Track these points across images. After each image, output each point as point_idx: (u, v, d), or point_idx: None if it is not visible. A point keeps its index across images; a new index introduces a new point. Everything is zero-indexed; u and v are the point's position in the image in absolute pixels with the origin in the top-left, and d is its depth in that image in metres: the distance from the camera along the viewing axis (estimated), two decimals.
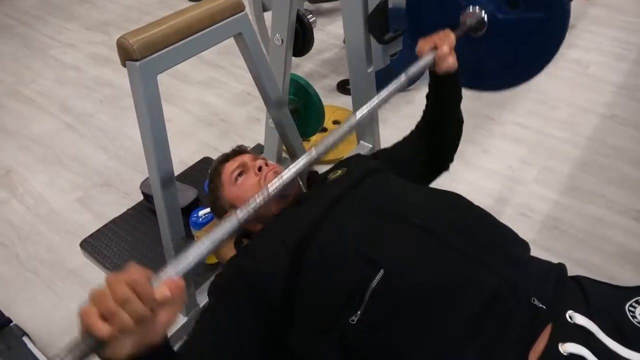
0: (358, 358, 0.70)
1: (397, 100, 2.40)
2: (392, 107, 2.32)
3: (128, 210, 1.54)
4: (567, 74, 2.55)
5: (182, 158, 1.95)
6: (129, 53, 0.84)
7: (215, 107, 2.40)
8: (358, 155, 1.15)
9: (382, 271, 0.70)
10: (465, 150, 2.06)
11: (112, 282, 0.50)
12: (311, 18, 1.61)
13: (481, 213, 0.87)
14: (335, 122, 2.21)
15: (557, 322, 0.69)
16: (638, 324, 0.70)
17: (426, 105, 1.11)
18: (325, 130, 2.19)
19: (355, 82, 1.44)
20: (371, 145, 1.56)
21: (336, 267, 0.75)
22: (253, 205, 0.67)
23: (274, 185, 0.71)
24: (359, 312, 0.69)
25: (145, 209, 1.54)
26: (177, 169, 1.69)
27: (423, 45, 1.01)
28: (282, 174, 0.73)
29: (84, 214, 1.83)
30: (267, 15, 2.26)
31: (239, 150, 1.12)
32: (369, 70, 1.38)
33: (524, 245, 0.84)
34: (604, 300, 0.74)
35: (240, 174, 1.04)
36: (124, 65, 0.87)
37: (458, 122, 1.13)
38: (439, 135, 1.12)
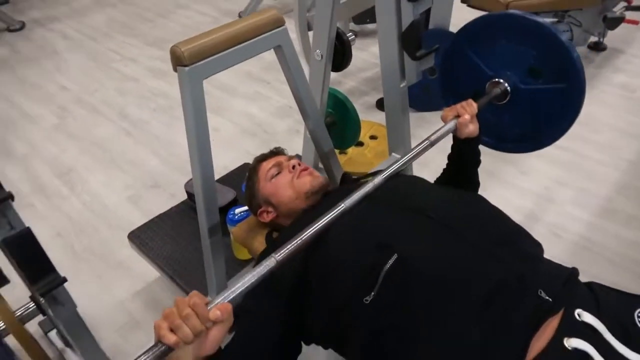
0: (370, 336, 0.76)
1: (435, 118, 2.45)
2: (430, 127, 2.36)
3: (172, 207, 1.67)
4: (611, 98, 2.52)
5: (226, 164, 2.08)
6: (179, 59, 0.95)
7: (259, 118, 2.53)
8: None
9: (395, 255, 0.76)
10: (502, 170, 2.08)
11: (179, 303, 0.64)
12: (350, 36, 1.70)
13: (496, 212, 0.92)
14: (372, 137, 2.28)
15: (565, 318, 0.71)
16: None
17: (447, 164, 1.20)
18: (361, 144, 2.26)
19: (388, 96, 1.51)
20: (401, 157, 1.61)
21: (354, 251, 0.82)
22: (290, 247, 0.74)
23: (308, 234, 0.78)
24: (372, 293, 0.75)
25: (187, 207, 1.66)
26: (220, 173, 1.82)
27: (447, 113, 1.11)
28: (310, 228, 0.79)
29: (133, 211, 1.98)
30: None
31: (276, 152, 1.22)
32: (401, 85, 1.45)
33: (536, 246, 0.87)
34: (614, 304, 0.76)
35: (276, 173, 1.13)
36: (175, 70, 0.98)
37: (474, 183, 1.21)
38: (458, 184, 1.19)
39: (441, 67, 1.37)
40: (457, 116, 1.09)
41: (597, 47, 2.87)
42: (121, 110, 2.67)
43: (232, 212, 1.41)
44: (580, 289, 0.80)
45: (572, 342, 0.69)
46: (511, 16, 1.21)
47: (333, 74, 2.89)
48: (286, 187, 1.10)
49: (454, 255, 0.79)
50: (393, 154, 1.65)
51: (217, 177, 1.83)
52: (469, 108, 1.10)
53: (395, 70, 1.42)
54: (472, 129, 1.10)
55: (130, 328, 1.56)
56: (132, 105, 2.70)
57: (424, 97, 2.39)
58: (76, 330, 0.85)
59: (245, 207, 1.42)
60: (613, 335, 0.70)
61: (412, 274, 0.76)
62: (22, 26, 3.65)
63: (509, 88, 1.21)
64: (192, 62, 0.95)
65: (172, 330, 0.62)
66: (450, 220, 0.84)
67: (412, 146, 1.73)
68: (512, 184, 2.01)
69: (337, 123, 1.88)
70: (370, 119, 2.38)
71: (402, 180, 1.01)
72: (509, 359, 0.68)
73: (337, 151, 2.13)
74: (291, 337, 0.86)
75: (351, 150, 2.16)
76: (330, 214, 0.82)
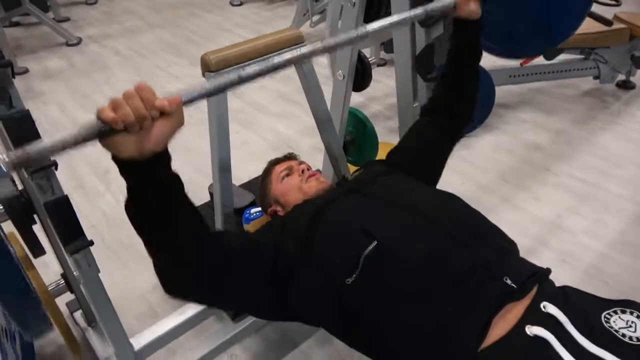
0: (350, 313, 0.85)
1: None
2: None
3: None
4: (636, 135, 2.53)
5: (250, 174, 2.20)
6: (208, 66, 1.08)
7: (285, 135, 2.66)
8: (373, 161, 1.31)
9: (375, 242, 0.84)
10: (515, 195, 2.12)
11: (127, 90, 0.63)
12: (372, 59, 1.82)
13: (474, 210, 0.99)
14: None
15: (530, 308, 0.77)
16: (609, 329, 0.76)
17: (447, 57, 1.19)
18: None
19: (402, 115, 1.61)
20: None
21: (340, 236, 0.90)
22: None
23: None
24: (354, 275, 0.83)
25: (209, 207, 1.78)
26: (245, 180, 1.95)
27: None
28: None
29: None
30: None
31: (289, 156, 1.34)
32: (414, 105, 1.55)
33: (510, 244, 0.94)
34: (583, 304, 0.81)
35: (286, 175, 1.24)
36: (203, 75, 1.12)
37: (474, 78, 1.19)
38: (454, 90, 1.19)
39: None
40: None
41: (626, 85, 2.89)
42: None
43: (248, 212, 1.52)
44: (549, 286, 0.85)
45: (534, 330, 0.74)
46: None
47: (361, 99, 3.03)
48: (294, 189, 1.20)
49: (429, 243, 0.87)
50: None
51: (240, 183, 1.96)
52: None
53: (409, 90, 1.52)
54: (473, 8, 1.06)
55: (148, 317, 1.67)
56: None
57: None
58: (96, 292, 0.96)
59: (259, 208, 1.53)
60: (576, 329, 0.74)
61: (390, 258, 0.84)
62: (79, 41, 3.97)
63: None
64: (218, 69, 1.09)
65: (113, 110, 0.61)
66: (429, 214, 0.92)
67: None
68: (524, 209, 2.04)
69: (356, 141, 1.99)
70: (392, 142, 2.46)
71: (391, 178, 1.09)
72: (470, 335, 0.75)
73: (356, 168, 2.23)
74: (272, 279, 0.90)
75: None
76: (325, 202, 0.91)
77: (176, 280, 0.83)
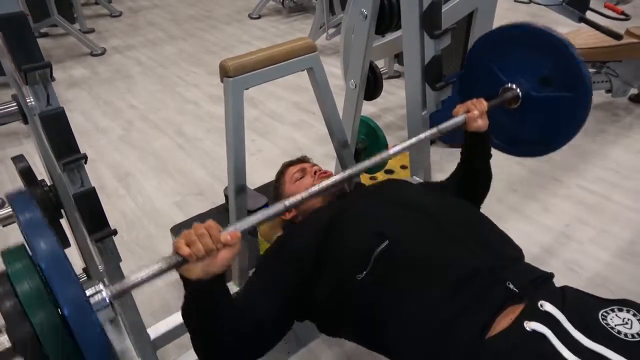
0: (360, 308, 0.90)
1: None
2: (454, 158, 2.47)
3: (212, 208, 1.87)
4: None
5: (264, 180, 2.27)
6: (226, 71, 1.16)
7: (300, 143, 2.74)
8: (393, 180, 1.37)
9: (387, 241, 0.90)
10: (525, 206, 2.15)
11: (196, 226, 0.78)
12: (384, 70, 1.89)
13: (483, 216, 1.04)
14: (403, 167, 2.42)
15: (528, 306, 0.81)
16: (606, 325, 0.79)
17: (460, 160, 1.31)
18: (391, 172, 2.40)
19: (411, 123, 1.67)
20: (421, 180, 1.75)
21: (354, 236, 0.97)
22: (298, 198, 0.92)
23: (313, 190, 0.95)
24: (364, 272, 0.89)
25: (224, 209, 1.86)
26: (258, 184, 2.02)
27: (459, 108, 1.23)
28: (321, 184, 0.97)
29: (178, 213, 2.20)
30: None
31: (302, 159, 1.40)
32: (423, 113, 1.60)
33: (517, 251, 0.99)
34: (580, 303, 0.84)
35: (299, 177, 1.30)
36: (222, 81, 1.19)
37: (486, 176, 1.30)
38: (470, 183, 1.30)
39: (462, 74, 1.49)
40: (468, 111, 1.20)
41: (638, 99, 2.90)
42: (178, 127, 2.96)
43: None
44: (550, 287, 0.89)
45: (532, 325, 0.78)
46: (528, 28, 1.31)
47: (374, 109, 3.10)
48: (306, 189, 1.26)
49: (437, 245, 0.92)
50: (414, 177, 1.79)
51: (254, 187, 2.03)
52: (479, 105, 1.21)
53: (418, 99, 1.58)
54: (481, 123, 1.20)
55: (163, 313, 1.74)
56: (189, 125, 2.99)
57: (455, 131, 2.51)
58: (117, 279, 1.03)
59: None
60: (572, 325, 0.78)
61: (398, 257, 0.90)
62: (103, 52, 4.13)
63: (520, 93, 1.31)
64: (235, 74, 1.16)
65: (187, 245, 0.75)
66: (439, 218, 0.98)
67: (432, 174, 1.86)
68: (534, 219, 2.07)
69: (368, 149, 2.05)
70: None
71: (405, 186, 1.15)
72: (474, 330, 0.80)
73: (367, 176, 2.29)
74: (293, 303, 0.99)
75: (380, 176, 2.31)
76: (341, 207, 0.97)
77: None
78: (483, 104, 1.22)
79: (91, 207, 0.90)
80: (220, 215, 1.82)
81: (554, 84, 1.27)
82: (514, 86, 1.33)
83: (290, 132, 2.86)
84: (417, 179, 1.76)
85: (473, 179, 1.29)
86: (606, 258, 1.86)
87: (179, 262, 0.75)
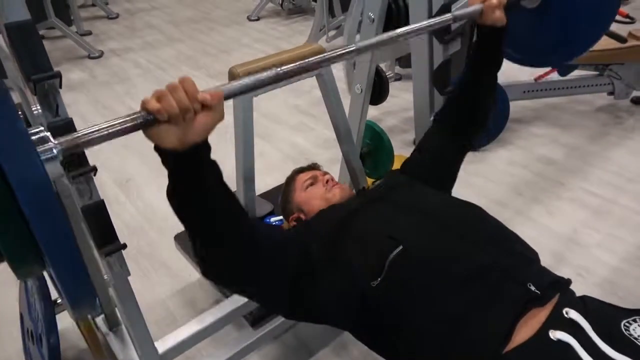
0: (373, 314, 0.88)
1: (469, 157, 2.55)
2: (463, 165, 2.46)
3: None
4: None
5: (267, 185, 2.25)
6: (235, 78, 1.14)
7: (302, 147, 2.71)
8: (392, 172, 1.35)
9: (400, 246, 0.88)
10: (530, 208, 2.13)
11: (170, 82, 0.66)
12: (389, 74, 1.87)
13: (493, 218, 1.02)
14: None
15: (553, 313, 0.80)
16: (629, 336, 0.78)
17: (466, 64, 1.19)
18: None
19: (419, 127, 1.65)
20: None
21: (367, 242, 0.94)
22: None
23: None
24: (379, 278, 0.87)
25: None
26: (261, 191, 1.99)
27: None
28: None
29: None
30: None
31: (313, 166, 1.38)
32: (431, 118, 1.59)
33: (530, 251, 0.97)
34: (602, 312, 0.84)
35: (311, 184, 1.28)
36: None
37: (491, 86, 1.17)
38: (471, 98, 1.18)
39: None
40: (484, 1, 1.06)
41: None
42: None
43: (268, 220, 1.56)
44: (570, 293, 0.88)
45: (557, 334, 0.76)
46: None
47: (377, 113, 3.08)
48: (318, 198, 1.24)
49: (448, 248, 0.90)
50: None
51: (258, 193, 2.00)
52: None
53: (426, 104, 1.56)
54: (499, 15, 1.06)
55: (167, 322, 1.71)
56: None
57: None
58: (125, 294, 1.00)
59: (280, 217, 1.57)
60: (597, 334, 0.77)
61: (413, 262, 0.88)
62: (101, 54, 4.09)
63: None
64: None
65: (157, 101, 0.65)
66: (450, 221, 0.96)
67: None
68: (539, 222, 2.06)
69: (372, 153, 2.03)
70: (407, 154, 2.50)
71: (411, 187, 1.13)
72: (495, 337, 0.77)
73: (371, 180, 2.27)
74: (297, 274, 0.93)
75: None
76: (350, 209, 0.95)
77: (211, 263, 0.87)
78: None
79: (100, 220, 0.88)
80: None
81: None
82: None
83: (291, 136, 2.83)
84: None
85: (476, 96, 1.17)
86: (614, 263, 1.85)
87: (146, 121, 0.62)
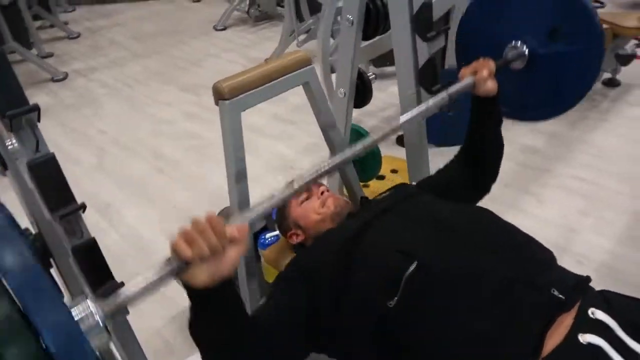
0: (393, 337, 0.83)
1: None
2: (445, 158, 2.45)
3: None
4: (626, 131, 2.58)
5: (254, 198, 2.18)
6: (221, 94, 1.08)
7: (286, 156, 2.66)
8: (402, 184, 1.31)
9: (415, 262, 0.84)
10: (520, 199, 2.13)
11: (196, 219, 0.65)
12: (371, 76, 1.84)
13: (503, 222, 0.99)
14: (393, 171, 2.37)
15: (579, 316, 0.77)
16: None
17: (468, 129, 1.20)
18: (382, 177, 2.35)
19: (407, 129, 1.62)
20: None
21: (378, 260, 0.90)
22: (307, 177, 0.80)
23: (306, 179, 0.83)
24: (395, 298, 0.82)
25: None
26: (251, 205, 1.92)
27: (464, 70, 1.12)
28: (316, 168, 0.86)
29: (166, 242, 2.08)
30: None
31: None
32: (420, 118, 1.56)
33: (548, 253, 0.94)
34: (625, 307, 0.81)
35: (306, 198, 1.23)
36: (216, 104, 1.11)
37: (498, 145, 1.20)
38: (479, 158, 1.20)
39: (458, 36, 1.39)
40: (475, 73, 1.09)
41: (612, 83, 2.95)
42: (155, 150, 2.84)
43: (263, 237, 1.50)
44: (592, 292, 0.85)
45: (587, 338, 0.74)
46: None
47: (355, 114, 3.03)
48: (313, 211, 1.19)
49: (465, 260, 0.86)
50: (414, 183, 1.74)
51: None
52: (486, 64, 1.10)
53: (413, 104, 1.53)
54: (491, 85, 1.09)
55: (165, 353, 1.64)
56: (166, 146, 2.87)
57: (442, 132, 2.50)
58: (126, 334, 0.94)
59: (275, 232, 1.51)
60: (626, 333, 0.74)
61: (431, 277, 0.83)
62: (65, 76, 3.95)
63: (527, 51, 1.20)
64: (232, 96, 1.08)
65: (187, 244, 0.64)
66: (463, 231, 0.92)
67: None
68: (531, 213, 2.06)
69: (360, 157, 1.99)
70: (391, 155, 2.48)
71: (420, 199, 1.09)
72: (525, 351, 0.74)
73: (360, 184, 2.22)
74: (310, 331, 0.90)
75: (373, 183, 2.25)
76: (356, 226, 0.89)
77: None
78: (490, 64, 1.10)
79: (93, 260, 0.81)
80: None
81: (562, 38, 1.16)
82: (520, 44, 1.21)
83: (274, 145, 2.78)
84: None
85: (484, 152, 1.19)
86: (609, 246, 1.86)
87: (180, 268, 0.62)
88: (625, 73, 2.96)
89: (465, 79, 1.09)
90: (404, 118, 1.01)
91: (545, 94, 1.27)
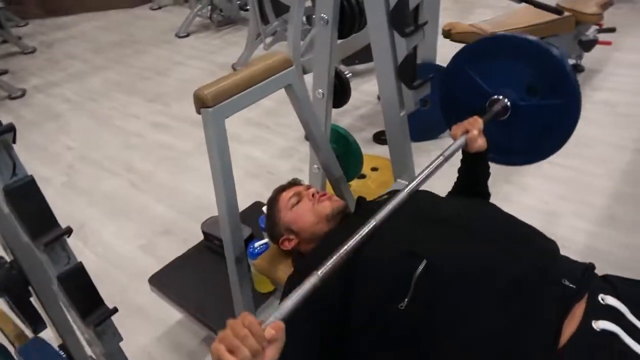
0: (405, 337, 0.80)
1: (432, 146, 2.56)
2: (428, 155, 2.46)
3: (190, 249, 1.71)
4: (596, 115, 2.65)
5: None
6: (203, 101, 1.03)
7: (262, 161, 2.61)
8: (398, 191, 1.29)
9: (424, 261, 0.81)
10: (502, 189, 2.15)
11: (234, 325, 0.64)
12: (348, 74, 1.82)
13: (508, 215, 0.98)
14: (374, 169, 2.36)
15: (590, 303, 0.77)
16: None
17: (459, 180, 1.25)
18: (363, 176, 2.34)
19: (390, 125, 1.60)
20: (407, 182, 1.69)
21: (385, 262, 0.87)
22: (330, 264, 0.75)
23: (345, 250, 0.79)
24: (406, 299, 0.80)
25: (204, 247, 1.70)
26: None
27: (456, 130, 1.18)
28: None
29: (147, 258, 2.01)
30: (307, 77, 2.52)
31: (294, 182, 1.29)
32: (401, 114, 1.54)
33: (551, 243, 0.93)
34: (629, 290, 0.82)
35: (296, 202, 1.19)
36: (198, 112, 1.06)
37: (484, 195, 1.25)
38: (472, 194, 1.24)
39: (441, 88, 1.45)
40: (466, 132, 1.15)
41: (576, 69, 3.03)
42: (126, 163, 2.74)
43: (251, 246, 1.46)
44: (597, 278, 0.85)
45: (600, 324, 0.74)
46: (506, 37, 1.31)
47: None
48: (307, 214, 1.15)
49: (476, 256, 0.84)
50: (398, 180, 1.72)
51: None
52: (475, 124, 1.16)
53: (395, 100, 1.52)
54: (481, 143, 1.16)
55: None
56: (137, 158, 2.78)
57: (419, 128, 2.50)
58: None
59: (264, 241, 1.47)
60: (635, 316, 0.75)
61: (442, 276, 0.81)
62: (23, 93, 3.77)
63: (509, 104, 1.28)
64: (215, 103, 1.03)
65: (230, 352, 0.63)
66: (469, 226, 0.91)
67: (416, 172, 1.81)
68: (514, 200, 2.09)
69: (340, 157, 1.96)
70: (369, 153, 2.46)
71: (419, 196, 1.07)
72: (543, 342, 0.73)
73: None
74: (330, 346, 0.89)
75: (354, 182, 2.23)
76: (363, 231, 0.83)
77: None
78: (479, 122, 1.18)
79: (83, 287, 0.75)
80: (201, 255, 1.67)
81: (542, 92, 1.25)
82: (502, 97, 1.30)
83: (249, 151, 2.72)
84: (402, 182, 1.70)
85: (476, 191, 1.24)
86: (590, 228, 1.90)
87: None
88: (589, 59, 3.04)
89: (459, 139, 1.15)
90: (407, 190, 0.99)
91: (529, 141, 1.34)
